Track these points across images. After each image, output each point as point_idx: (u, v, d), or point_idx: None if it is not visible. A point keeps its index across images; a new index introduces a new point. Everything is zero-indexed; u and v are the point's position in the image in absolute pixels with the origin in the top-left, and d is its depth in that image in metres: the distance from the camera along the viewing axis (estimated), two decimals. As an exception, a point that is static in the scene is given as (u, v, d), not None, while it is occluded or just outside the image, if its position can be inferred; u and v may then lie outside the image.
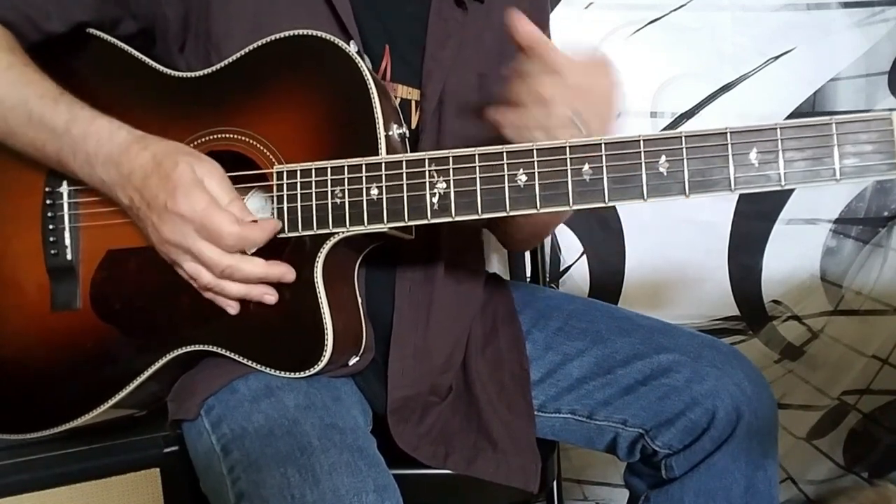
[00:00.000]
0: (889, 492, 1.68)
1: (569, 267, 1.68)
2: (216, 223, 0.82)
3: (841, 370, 1.72)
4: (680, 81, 1.58)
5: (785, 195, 1.62)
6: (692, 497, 1.00)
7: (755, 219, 1.63)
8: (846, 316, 1.68)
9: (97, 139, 0.87)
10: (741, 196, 1.60)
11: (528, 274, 1.54)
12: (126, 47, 0.96)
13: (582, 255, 1.68)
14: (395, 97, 0.95)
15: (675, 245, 1.64)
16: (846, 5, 1.55)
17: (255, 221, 0.85)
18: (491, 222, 1.10)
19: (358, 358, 0.94)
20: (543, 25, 1.10)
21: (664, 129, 1.60)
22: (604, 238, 1.66)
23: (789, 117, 1.58)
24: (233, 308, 0.88)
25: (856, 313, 1.67)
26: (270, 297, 0.87)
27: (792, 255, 1.65)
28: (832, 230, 1.64)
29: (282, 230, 0.86)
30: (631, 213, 1.63)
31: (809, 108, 1.59)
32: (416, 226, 0.90)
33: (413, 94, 0.98)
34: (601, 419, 1.05)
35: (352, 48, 0.89)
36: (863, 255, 1.64)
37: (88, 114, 0.88)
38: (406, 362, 0.99)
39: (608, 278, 1.68)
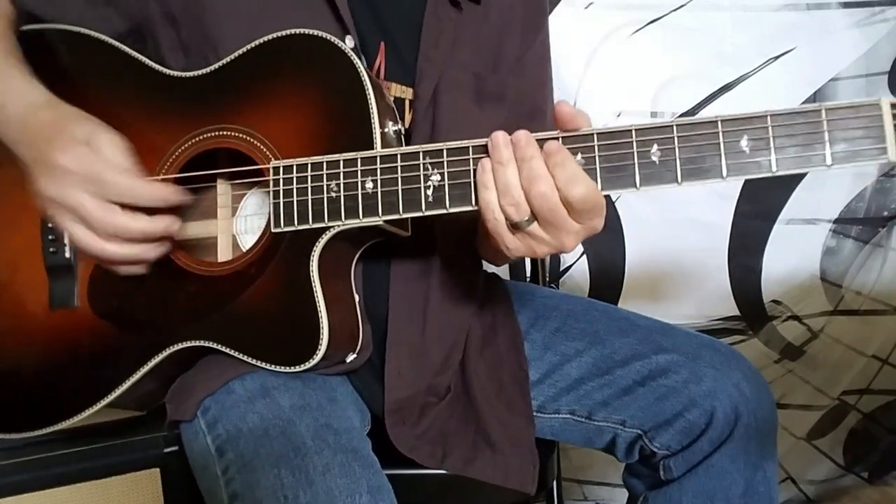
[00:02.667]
0: (894, 491, 1.68)
1: (569, 267, 1.68)
2: (99, 170, 0.81)
3: (841, 370, 1.72)
4: (680, 81, 1.58)
5: (785, 195, 1.62)
6: (691, 498, 1.00)
7: (755, 219, 1.63)
8: (846, 316, 1.68)
9: (13, 94, 0.88)
10: (741, 196, 1.60)
11: (528, 274, 1.54)
12: (122, 46, 0.97)
13: (582, 254, 1.68)
14: (390, 95, 0.95)
15: (675, 245, 1.64)
16: (846, 5, 1.54)
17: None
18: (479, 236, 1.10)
19: (355, 355, 0.94)
20: (539, 27, 1.10)
21: (663, 128, 1.60)
22: (604, 238, 1.66)
23: (789, 117, 1.58)
24: (124, 270, 0.87)
25: (856, 313, 1.67)
26: (152, 252, 0.87)
27: (792, 255, 1.65)
28: (832, 230, 1.64)
29: (277, 224, 0.86)
30: (631, 213, 1.63)
31: (809, 108, 1.58)
32: (412, 222, 0.90)
33: (407, 92, 0.98)
34: (600, 420, 1.05)
35: (348, 44, 0.89)
36: (863, 255, 1.64)
37: (3, 68, 0.89)
38: (402, 362, 0.99)
39: (608, 278, 1.68)
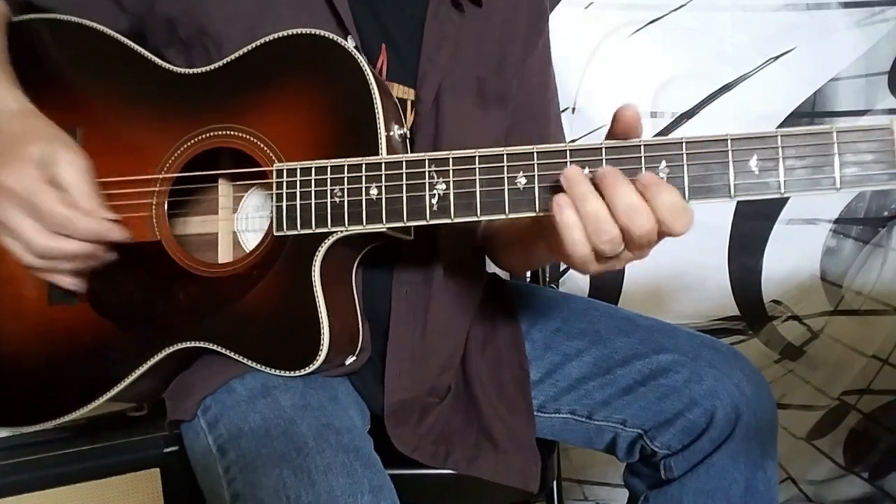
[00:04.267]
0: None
1: (568, 267, 1.68)
2: (39, 199, 0.81)
3: (841, 370, 1.72)
4: (680, 81, 1.58)
5: (785, 195, 1.62)
6: (691, 497, 1.00)
7: (755, 219, 1.63)
8: (846, 316, 1.68)
9: None
10: (741, 196, 1.61)
11: (528, 274, 1.54)
12: (125, 40, 0.96)
13: (582, 255, 1.68)
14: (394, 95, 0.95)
15: (675, 245, 1.63)
16: (846, 5, 1.55)
17: (114, 221, 0.84)
18: (486, 241, 1.09)
19: (355, 357, 0.94)
20: (540, 30, 1.10)
21: (664, 129, 1.60)
22: (603, 238, 1.66)
23: (789, 117, 1.59)
24: (67, 283, 0.87)
25: (856, 313, 1.68)
26: (93, 261, 0.86)
27: (792, 255, 1.65)
28: (832, 230, 1.64)
29: (280, 228, 0.86)
30: (631, 214, 1.63)
31: (809, 108, 1.59)
32: (416, 227, 0.89)
33: (408, 94, 0.97)
34: (600, 419, 1.05)
35: (349, 44, 0.89)
36: (863, 255, 1.64)
37: None
38: (403, 365, 0.99)
39: (608, 278, 1.68)
